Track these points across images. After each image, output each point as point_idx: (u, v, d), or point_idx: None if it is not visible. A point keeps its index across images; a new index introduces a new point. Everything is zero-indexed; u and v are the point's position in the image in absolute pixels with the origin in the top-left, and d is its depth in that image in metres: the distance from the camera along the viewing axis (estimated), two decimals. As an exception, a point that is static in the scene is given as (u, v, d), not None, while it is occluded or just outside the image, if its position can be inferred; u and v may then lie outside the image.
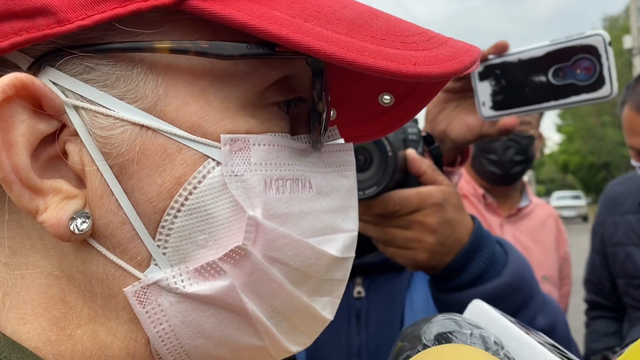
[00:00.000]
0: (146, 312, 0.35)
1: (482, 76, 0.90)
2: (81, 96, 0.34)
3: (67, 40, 0.34)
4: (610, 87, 0.79)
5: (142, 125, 0.34)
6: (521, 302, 0.83)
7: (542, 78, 0.84)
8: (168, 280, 0.35)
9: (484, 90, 0.90)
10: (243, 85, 0.36)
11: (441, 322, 0.47)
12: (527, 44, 0.89)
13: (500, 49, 0.88)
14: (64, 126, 0.34)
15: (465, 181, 1.86)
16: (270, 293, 0.38)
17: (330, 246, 0.41)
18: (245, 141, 0.36)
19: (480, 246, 0.83)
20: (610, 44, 0.80)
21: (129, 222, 0.35)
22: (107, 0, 0.33)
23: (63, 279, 0.36)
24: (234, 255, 0.36)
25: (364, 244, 0.73)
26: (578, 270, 1.99)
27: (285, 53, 0.35)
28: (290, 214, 0.38)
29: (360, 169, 0.78)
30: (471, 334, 0.45)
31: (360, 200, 0.69)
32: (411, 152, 0.83)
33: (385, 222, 0.81)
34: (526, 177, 1.99)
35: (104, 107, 0.34)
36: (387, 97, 0.45)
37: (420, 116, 1.06)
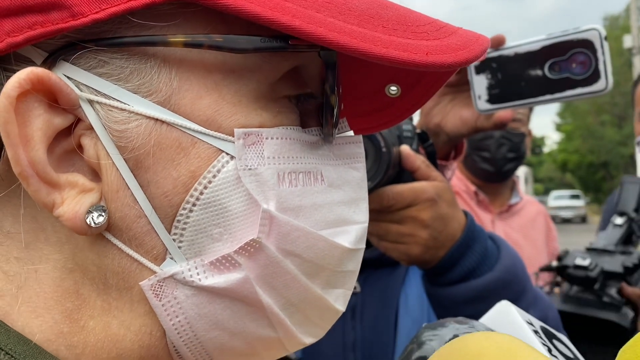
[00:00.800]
0: (162, 305, 0.36)
1: (479, 69, 0.90)
2: (95, 90, 0.34)
3: (80, 34, 0.34)
4: (606, 81, 0.80)
5: (157, 119, 0.34)
6: (513, 297, 0.84)
7: (538, 72, 0.84)
8: (184, 274, 0.35)
9: (480, 83, 0.90)
10: (255, 78, 0.36)
11: (462, 332, 0.46)
12: None
13: (497, 42, 0.89)
14: (78, 120, 0.35)
15: (457, 178, 1.87)
16: (284, 285, 0.38)
17: (342, 238, 0.41)
18: (258, 135, 0.36)
19: (473, 241, 0.84)
20: (606, 38, 0.80)
21: (144, 215, 0.35)
22: None
23: (77, 271, 0.36)
24: (249, 248, 0.36)
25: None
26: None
27: (298, 46, 0.35)
28: (304, 206, 0.38)
29: (354, 164, 0.79)
30: None
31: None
32: (405, 148, 0.84)
33: (379, 216, 0.82)
34: (522, 175, 2.00)
35: (118, 100, 0.34)
36: (393, 88, 0.45)
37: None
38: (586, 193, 35.93)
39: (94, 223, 0.34)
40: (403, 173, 0.84)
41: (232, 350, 0.39)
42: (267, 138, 0.37)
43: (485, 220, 1.83)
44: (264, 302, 0.37)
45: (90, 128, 0.34)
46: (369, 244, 0.92)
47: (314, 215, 0.39)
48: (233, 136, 0.35)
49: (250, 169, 0.36)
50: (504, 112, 0.96)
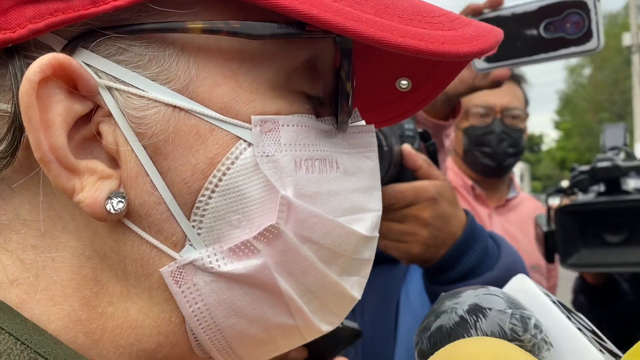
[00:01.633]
0: (182, 291, 0.36)
1: None
2: (114, 77, 0.34)
3: (100, 22, 0.34)
4: (597, 41, 0.84)
5: (175, 106, 0.35)
6: (512, 295, 0.85)
7: (534, 31, 0.88)
8: (203, 260, 0.36)
9: None
10: (272, 67, 0.37)
11: (482, 297, 0.47)
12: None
13: (495, 3, 0.93)
14: (97, 107, 0.35)
15: (453, 173, 1.88)
16: (302, 272, 0.38)
17: (359, 225, 0.41)
18: (274, 122, 0.36)
19: (473, 240, 0.84)
20: None
21: (163, 202, 0.35)
22: None
23: (95, 258, 0.36)
24: (267, 234, 0.36)
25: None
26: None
27: (314, 32, 0.35)
28: (320, 193, 0.38)
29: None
30: (512, 314, 0.45)
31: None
32: (407, 147, 0.85)
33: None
34: (517, 172, 2.02)
35: (137, 87, 0.34)
36: (404, 82, 0.46)
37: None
38: (584, 191, 35.86)
39: (114, 209, 0.34)
40: (404, 172, 0.85)
41: (251, 337, 0.39)
42: (283, 125, 0.37)
43: (483, 214, 1.85)
44: (282, 289, 0.38)
45: (109, 115, 0.34)
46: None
47: (331, 202, 0.39)
48: (250, 123, 0.36)
49: (267, 156, 0.36)
50: (500, 70, 1.01)
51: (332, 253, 0.40)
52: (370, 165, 0.43)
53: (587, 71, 34.20)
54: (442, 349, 0.41)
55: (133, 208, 0.35)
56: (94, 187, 0.34)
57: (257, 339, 0.39)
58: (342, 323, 0.75)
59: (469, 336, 0.44)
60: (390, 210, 0.82)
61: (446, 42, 0.36)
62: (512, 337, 0.44)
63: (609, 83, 30.57)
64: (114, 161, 0.35)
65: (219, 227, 0.36)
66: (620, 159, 1.37)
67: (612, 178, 1.27)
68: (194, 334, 0.38)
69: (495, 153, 1.81)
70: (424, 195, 0.81)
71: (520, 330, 0.44)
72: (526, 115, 1.91)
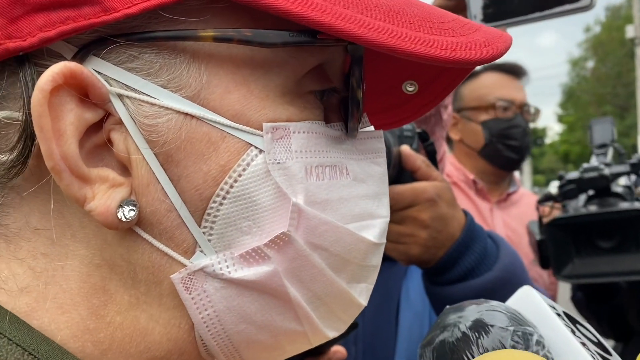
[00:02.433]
0: (192, 298, 0.36)
1: None
2: (125, 85, 0.34)
3: (111, 29, 0.34)
4: None
5: (187, 114, 0.35)
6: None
7: None
8: (214, 267, 0.36)
9: (475, 3, 0.96)
10: (283, 73, 0.37)
11: (484, 313, 0.47)
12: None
13: None
14: (108, 115, 0.35)
15: (454, 168, 1.89)
16: (311, 278, 0.38)
17: (368, 232, 0.41)
18: (285, 129, 0.37)
19: (472, 241, 0.84)
20: None
21: (175, 209, 0.35)
22: None
23: (104, 267, 0.36)
24: (278, 241, 0.36)
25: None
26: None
27: (326, 40, 0.35)
28: (330, 200, 0.38)
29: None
30: (514, 331, 0.45)
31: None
32: (405, 148, 0.85)
33: (380, 216, 0.83)
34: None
35: (148, 95, 0.34)
36: (410, 86, 0.46)
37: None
38: (587, 184, 35.76)
39: (125, 218, 0.34)
40: (403, 173, 0.85)
41: (259, 344, 0.39)
42: (294, 132, 0.37)
43: (484, 209, 1.85)
44: (291, 295, 0.38)
45: (120, 123, 0.34)
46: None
47: (341, 209, 0.39)
48: (261, 130, 0.36)
49: (278, 163, 0.36)
50: None
51: (342, 260, 0.40)
52: (379, 171, 0.43)
53: (590, 64, 34.06)
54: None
55: (144, 216, 0.35)
56: (105, 196, 0.34)
57: (264, 344, 0.40)
58: None
59: (470, 352, 0.44)
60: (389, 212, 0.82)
61: (457, 49, 0.36)
62: None
63: (612, 76, 30.45)
64: (125, 169, 0.35)
65: (230, 234, 0.36)
66: (608, 159, 1.38)
67: (600, 188, 1.28)
68: (202, 340, 0.38)
69: (520, 146, 1.83)
70: (422, 196, 0.82)
71: (522, 348, 0.44)
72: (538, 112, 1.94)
